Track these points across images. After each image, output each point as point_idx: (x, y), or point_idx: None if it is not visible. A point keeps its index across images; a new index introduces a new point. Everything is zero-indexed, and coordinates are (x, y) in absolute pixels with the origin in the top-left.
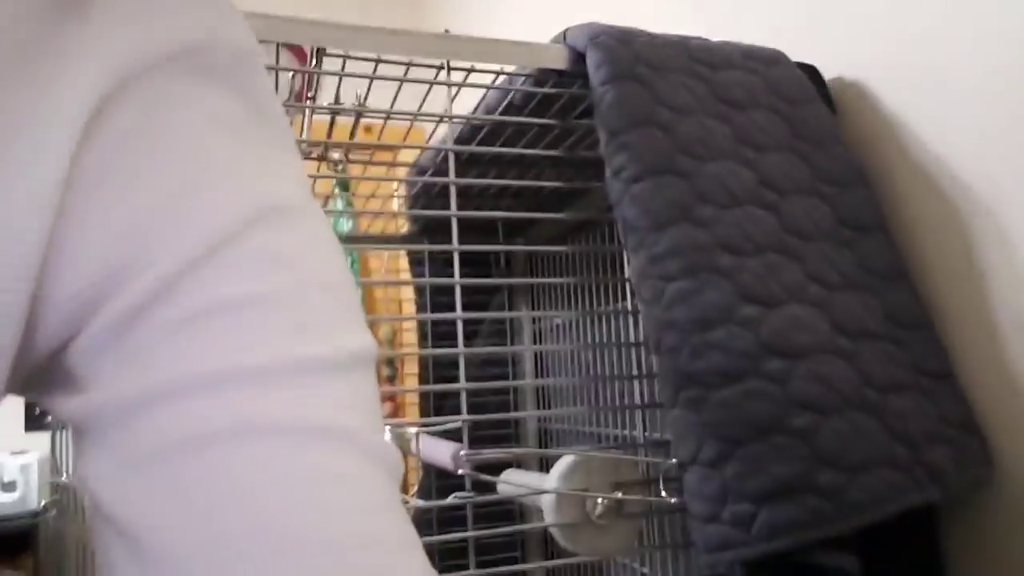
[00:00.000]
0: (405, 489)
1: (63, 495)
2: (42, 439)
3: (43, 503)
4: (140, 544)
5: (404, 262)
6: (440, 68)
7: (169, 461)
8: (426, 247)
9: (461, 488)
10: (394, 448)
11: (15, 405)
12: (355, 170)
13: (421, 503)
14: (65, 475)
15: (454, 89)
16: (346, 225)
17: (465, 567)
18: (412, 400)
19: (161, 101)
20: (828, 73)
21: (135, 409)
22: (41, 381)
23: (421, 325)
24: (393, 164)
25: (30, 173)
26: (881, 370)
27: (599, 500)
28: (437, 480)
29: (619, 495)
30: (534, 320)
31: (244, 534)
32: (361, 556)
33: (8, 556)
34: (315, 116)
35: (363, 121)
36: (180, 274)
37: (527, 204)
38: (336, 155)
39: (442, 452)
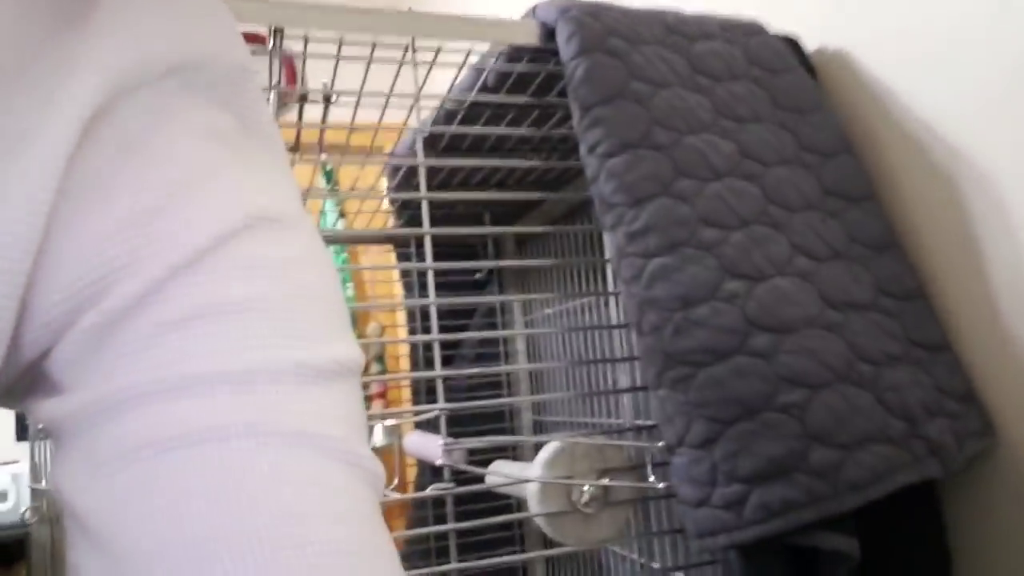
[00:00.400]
0: (403, 486)
1: (42, 501)
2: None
3: (23, 510)
4: (107, 544)
5: (394, 259)
6: (406, 49)
7: (139, 461)
8: (402, 231)
9: (456, 483)
10: (376, 460)
11: (6, 415)
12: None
13: (396, 496)
14: (44, 481)
15: (422, 70)
16: (334, 221)
17: (463, 562)
18: (406, 398)
19: (155, 114)
20: (810, 43)
21: (109, 410)
22: (21, 388)
23: (410, 320)
24: (371, 153)
25: (27, 181)
26: (873, 343)
27: (584, 488)
28: (432, 475)
29: (606, 482)
30: (525, 311)
31: (210, 536)
32: (331, 562)
33: (2, 566)
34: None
35: (336, 119)
36: (166, 279)
37: (513, 192)
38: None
39: (431, 446)
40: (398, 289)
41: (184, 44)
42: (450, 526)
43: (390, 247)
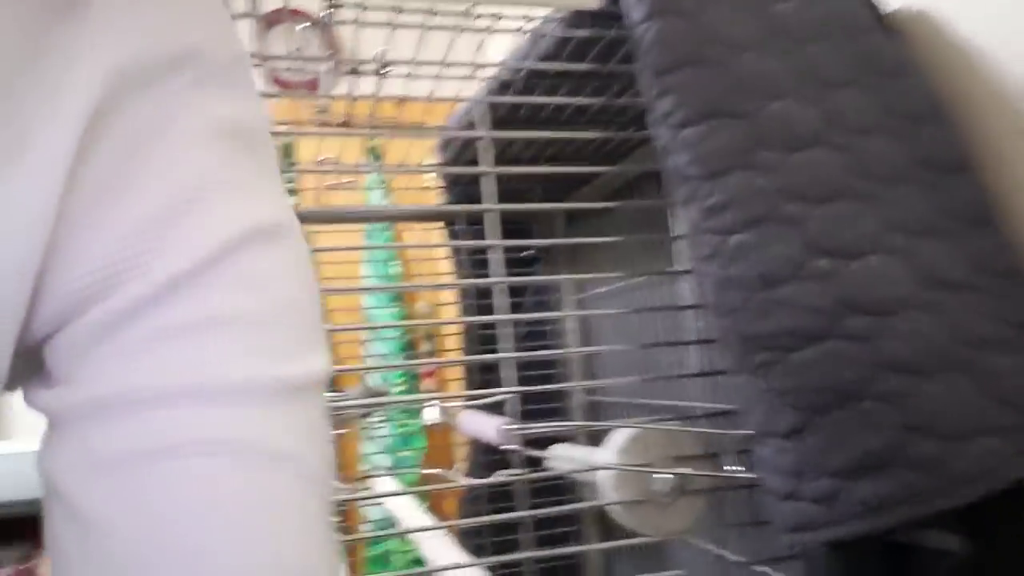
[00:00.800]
0: (450, 464)
1: None
2: None
3: None
4: (87, 529)
5: (437, 237)
6: (464, 15)
7: (127, 467)
8: (459, 208)
9: (508, 464)
10: (332, 472)
11: None
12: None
13: (466, 481)
14: None
15: (480, 38)
16: (380, 198)
17: (515, 542)
18: (454, 376)
19: (163, 115)
20: (893, 2)
21: (103, 411)
22: (20, 374)
23: (464, 298)
24: (422, 128)
25: (36, 174)
26: (975, 324)
27: (662, 476)
28: (484, 455)
29: (689, 471)
30: (578, 289)
31: (189, 550)
32: None
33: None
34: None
35: (385, 92)
36: (169, 286)
37: (574, 166)
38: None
39: (487, 427)
40: (443, 267)
41: (184, 35)
42: (522, 513)
43: (434, 224)
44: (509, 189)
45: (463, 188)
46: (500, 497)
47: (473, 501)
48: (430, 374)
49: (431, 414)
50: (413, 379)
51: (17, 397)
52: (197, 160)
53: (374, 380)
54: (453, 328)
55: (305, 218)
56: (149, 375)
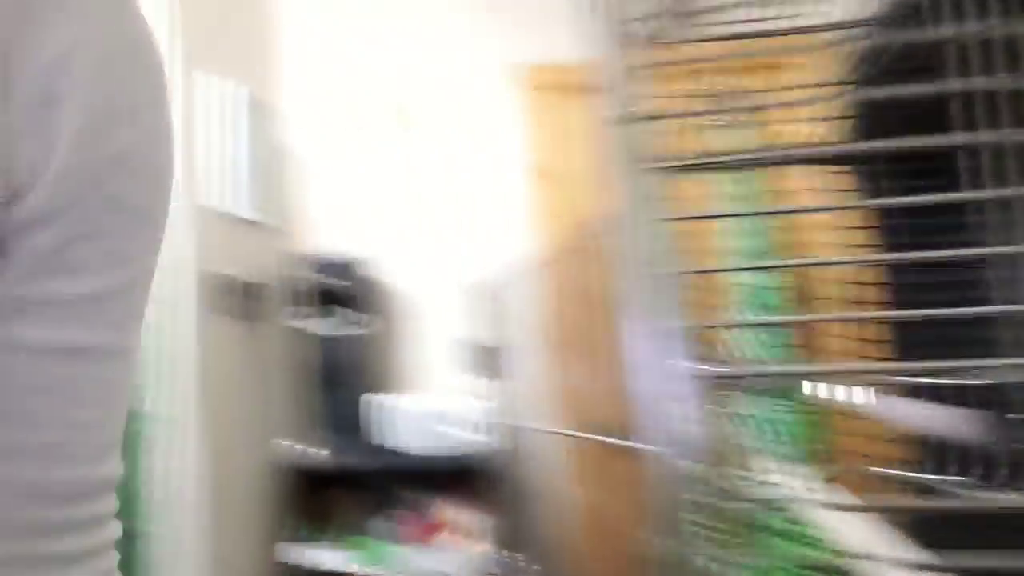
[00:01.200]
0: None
1: (513, 437)
2: (498, 386)
3: (497, 444)
4: None
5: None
6: None
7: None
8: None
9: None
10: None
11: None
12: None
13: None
14: (513, 419)
15: None
16: (749, 140)
17: None
18: (837, 348)
19: (63, 42)
20: None
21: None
22: None
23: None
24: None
25: None
26: None
27: None
28: (945, 458)
29: None
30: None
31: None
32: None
33: (475, 491)
34: None
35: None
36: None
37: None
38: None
39: (954, 420)
40: (818, 233)
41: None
42: None
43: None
44: (911, 116)
45: (870, 115)
46: (964, 520)
47: (924, 520)
48: (805, 345)
49: (851, 395)
50: (788, 350)
51: (425, 354)
52: (104, 87)
53: (747, 349)
54: (833, 290)
55: (691, 166)
56: (45, 283)
